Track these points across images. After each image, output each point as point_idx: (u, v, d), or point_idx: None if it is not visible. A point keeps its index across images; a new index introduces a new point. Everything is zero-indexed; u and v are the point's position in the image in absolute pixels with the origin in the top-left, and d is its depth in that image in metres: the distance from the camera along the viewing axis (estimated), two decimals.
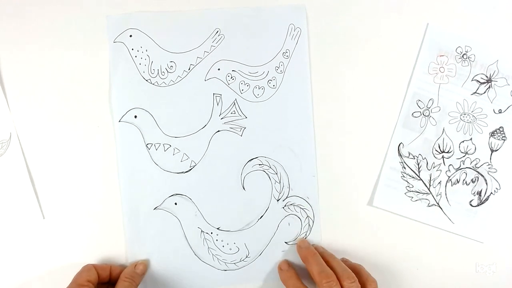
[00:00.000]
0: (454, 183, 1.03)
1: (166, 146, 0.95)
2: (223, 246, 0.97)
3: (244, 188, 0.97)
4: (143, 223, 0.95)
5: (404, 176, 1.02)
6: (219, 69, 0.96)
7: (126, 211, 0.95)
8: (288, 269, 0.95)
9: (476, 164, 1.03)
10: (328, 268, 0.87)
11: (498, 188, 1.03)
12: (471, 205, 1.03)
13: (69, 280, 0.85)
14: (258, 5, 0.97)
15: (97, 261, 0.95)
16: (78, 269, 0.89)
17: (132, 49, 0.94)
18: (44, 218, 0.94)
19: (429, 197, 1.02)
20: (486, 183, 1.03)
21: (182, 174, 0.96)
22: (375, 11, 1.00)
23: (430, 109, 1.01)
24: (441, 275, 1.03)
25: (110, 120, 0.94)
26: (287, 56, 0.98)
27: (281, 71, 0.97)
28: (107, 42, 0.94)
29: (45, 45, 0.94)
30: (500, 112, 1.03)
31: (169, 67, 0.95)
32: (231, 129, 0.96)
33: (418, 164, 1.02)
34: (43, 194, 0.94)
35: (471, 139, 1.02)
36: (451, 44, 1.02)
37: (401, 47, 1.01)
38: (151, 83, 0.95)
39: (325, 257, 0.93)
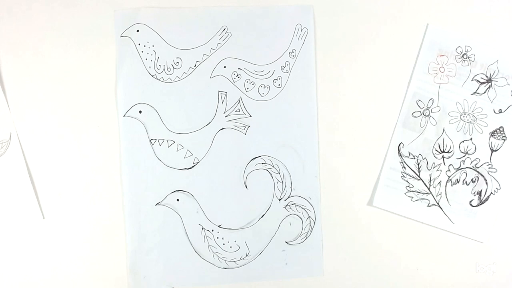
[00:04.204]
0: (454, 183, 1.07)
1: (170, 142, 1.01)
2: (223, 244, 1.02)
3: (246, 187, 1.03)
4: (144, 219, 1.00)
5: (404, 176, 1.07)
6: (225, 67, 1.02)
7: (127, 207, 1.00)
8: None
9: (476, 164, 1.08)
10: None
11: (498, 188, 1.08)
12: (471, 205, 1.08)
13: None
14: (266, 4, 1.03)
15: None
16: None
17: (139, 44, 1.00)
18: (44, 218, 0.99)
19: (429, 197, 1.07)
20: (486, 183, 1.08)
21: (185, 170, 1.01)
22: (376, 11, 1.06)
23: (430, 109, 1.06)
24: (441, 275, 1.08)
25: (115, 115, 1.00)
26: (293, 55, 1.03)
27: (287, 70, 1.03)
28: (114, 37, 1.00)
29: (46, 42, 0.99)
30: (500, 112, 1.08)
31: (175, 63, 1.01)
32: (235, 127, 1.02)
33: (418, 164, 1.07)
34: (43, 194, 0.99)
35: (471, 139, 1.07)
36: (451, 44, 1.07)
37: (401, 47, 1.06)
38: (156, 78, 1.00)
39: None
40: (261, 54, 1.03)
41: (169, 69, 1.00)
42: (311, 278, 1.04)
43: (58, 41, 0.99)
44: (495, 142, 1.08)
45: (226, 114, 1.02)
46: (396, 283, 1.07)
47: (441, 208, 1.07)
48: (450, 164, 1.07)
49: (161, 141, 1.00)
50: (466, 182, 1.08)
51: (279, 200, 1.03)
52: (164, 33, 1.00)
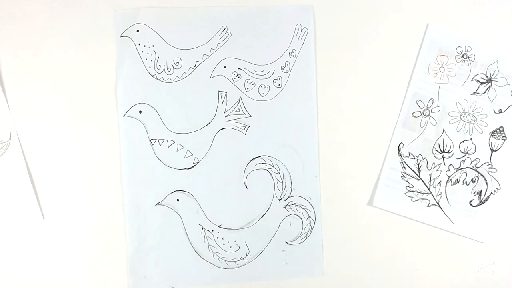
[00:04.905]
0: (454, 183, 1.08)
1: (170, 142, 1.01)
2: (223, 244, 1.03)
3: (246, 187, 1.03)
4: (144, 219, 1.01)
5: (404, 176, 1.07)
6: (225, 67, 1.02)
7: (127, 207, 1.00)
8: None
9: (476, 164, 1.08)
10: None
11: (498, 188, 1.08)
12: (471, 205, 1.08)
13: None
14: (266, 4, 1.03)
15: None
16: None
17: (139, 44, 1.00)
18: (44, 218, 0.99)
19: (429, 197, 1.07)
20: (486, 183, 1.08)
21: (185, 170, 1.01)
22: (376, 11, 1.06)
23: (430, 109, 1.06)
24: (441, 275, 1.08)
25: (115, 115, 1.00)
26: (293, 55, 1.04)
27: (287, 70, 1.03)
28: (114, 37, 1.00)
29: (46, 42, 0.99)
30: (500, 112, 1.08)
31: (175, 63, 1.01)
32: (235, 127, 1.02)
33: (418, 164, 1.07)
34: (43, 194, 0.99)
35: (471, 139, 1.07)
36: (451, 44, 1.07)
37: (401, 47, 1.07)
38: (156, 78, 1.01)
39: None
40: (261, 54, 1.03)
41: (169, 69, 1.00)
42: (311, 278, 1.05)
43: (58, 41, 0.99)
44: (495, 142, 1.08)
45: (226, 114, 1.02)
46: (396, 283, 1.07)
47: (441, 208, 1.07)
48: (450, 164, 1.07)
49: (161, 141, 1.00)
50: (466, 182, 1.08)
51: (279, 200, 1.04)
52: (164, 33, 1.00)
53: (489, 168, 1.08)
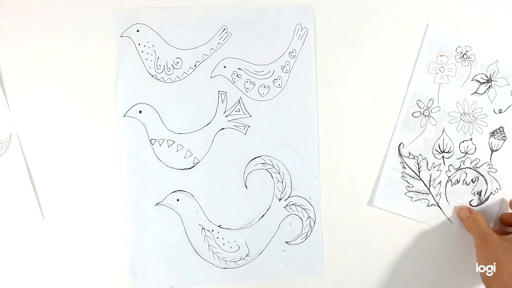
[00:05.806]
0: (454, 183, 1.07)
1: (170, 142, 1.01)
2: (223, 244, 1.02)
3: (246, 187, 1.03)
4: (144, 219, 1.01)
5: (404, 176, 1.07)
6: (225, 67, 1.02)
7: (127, 207, 1.00)
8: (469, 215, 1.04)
9: (476, 164, 1.08)
10: None
11: (498, 188, 1.08)
12: (471, 205, 1.08)
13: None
14: (266, 4, 1.03)
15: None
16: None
17: (139, 44, 1.00)
18: (44, 218, 0.99)
19: (429, 197, 1.07)
20: (486, 183, 1.08)
21: (185, 170, 1.01)
22: (376, 12, 1.06)
23: (430, 109, 1.06)
24: (441, 275, 1.08)
25: (115, 115, 1.00)
26: (293, 55, 1.04)
27: (287, 70, 1.03)
28: (114, 37, 1.00)
29: (47, 42, 0.99)
30: (500, 112, 1.08)
31: (175, 63, 1.01)
32: (235, 127, 1.02)
33: (418, 164, 1.07)
34: (43, 194, 0.99)
35: (471, 139, 1.07)
36: (451, 44, 1.07)
37: (401, 47, 1.07)
38: (156, 78, 1.01)
39: None
40: (261, 54, 1.03)
41: (169, 69, 1.00)
42: (311, 278, 1.05)
43: (58, 41, 0.99)
44: (495, 142, 1.08)
45: (226, 114, 1.02)
46: (396, 283, 1.07)
47: (441, 208, 1.07)
48: (450, 164, 1.07)
49: (161, 141, 1.00)
50: (466, 182, 1.08)
51: (279, 200, 1.03)
52: (164, 33, 1.01)
53: (489, 168, 1.08)
